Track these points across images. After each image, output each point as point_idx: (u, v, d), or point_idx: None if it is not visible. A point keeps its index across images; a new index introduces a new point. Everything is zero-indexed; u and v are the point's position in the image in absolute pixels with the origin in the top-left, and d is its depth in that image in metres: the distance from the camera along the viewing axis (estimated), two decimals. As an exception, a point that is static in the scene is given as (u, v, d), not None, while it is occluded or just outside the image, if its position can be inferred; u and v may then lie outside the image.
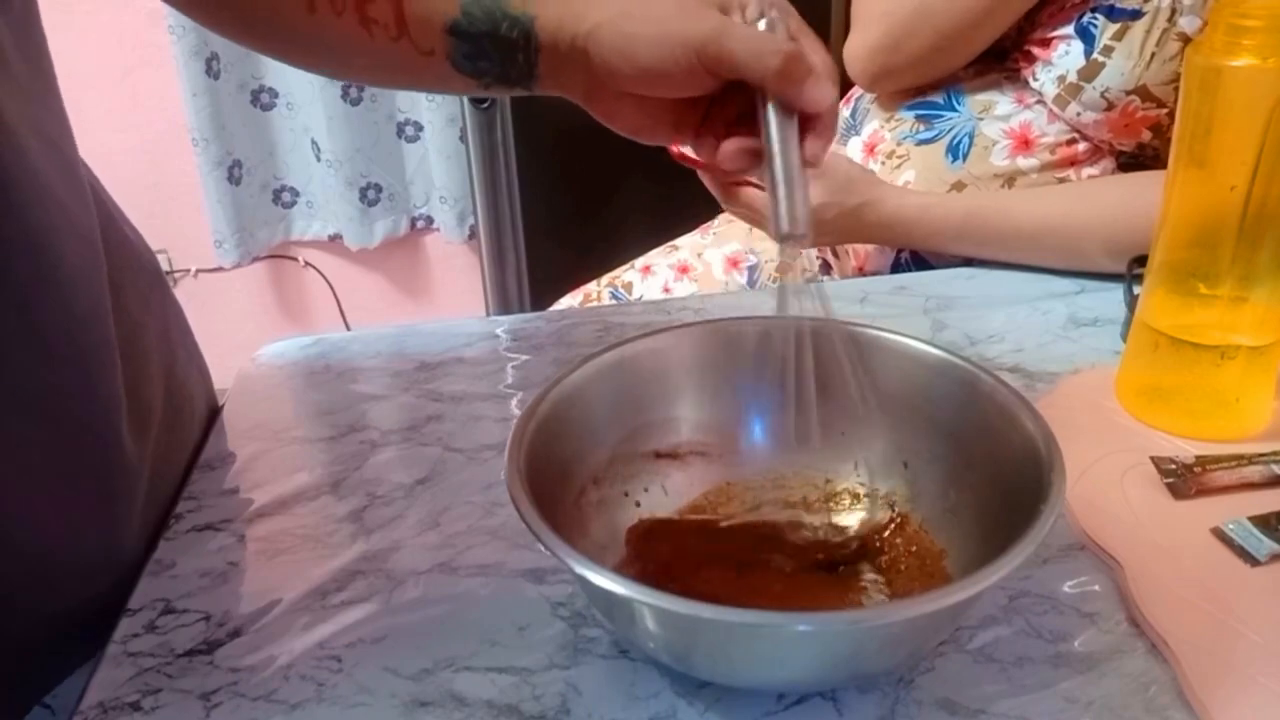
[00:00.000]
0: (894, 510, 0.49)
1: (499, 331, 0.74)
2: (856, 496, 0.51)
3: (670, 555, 0.47)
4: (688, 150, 0.80)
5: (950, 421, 0.47)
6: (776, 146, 0.45)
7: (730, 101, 0.48)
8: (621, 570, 0.44)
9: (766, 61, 0.44)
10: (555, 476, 0.45)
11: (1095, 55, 0.76)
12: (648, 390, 0.50)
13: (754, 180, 0.81)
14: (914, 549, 0.48)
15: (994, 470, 0.44)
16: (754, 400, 0.51)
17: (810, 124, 0.46)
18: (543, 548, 0.37)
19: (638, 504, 0.50)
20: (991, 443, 0.45)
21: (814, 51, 0.46)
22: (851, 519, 0.50)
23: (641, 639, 0.39)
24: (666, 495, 0.51)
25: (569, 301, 1.06)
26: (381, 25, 0.50)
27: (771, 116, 0.45)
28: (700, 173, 0.82)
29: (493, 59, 0.50)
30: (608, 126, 0.51)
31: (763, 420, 0.52)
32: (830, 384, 0.51)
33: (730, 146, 0.48)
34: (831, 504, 0.51)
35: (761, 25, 0.46)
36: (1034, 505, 0.38)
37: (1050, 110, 0.81)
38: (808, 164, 0.45)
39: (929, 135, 0.85)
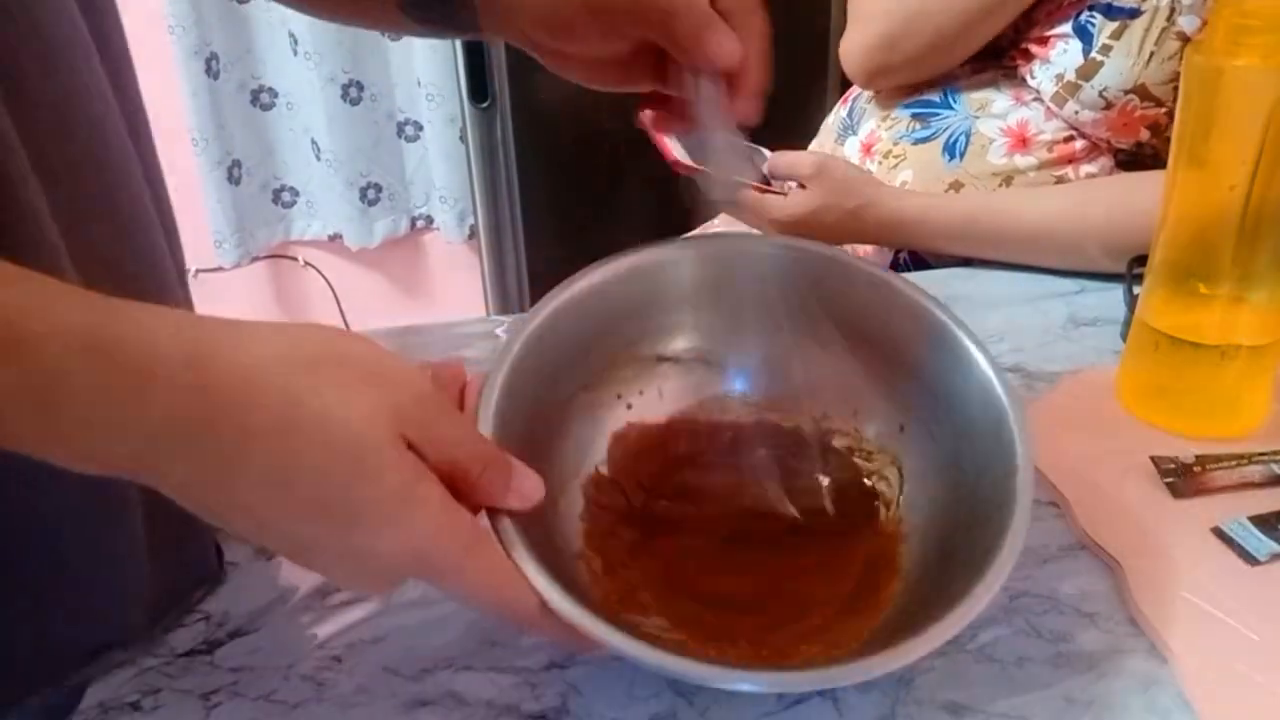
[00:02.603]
0: (896, 487, 0.48)
1: (499, 331, 0.74)
2: (853, 453, 0.49)
3: (652, 480, 0.47)
4: (683, 157, 0.80)
5: (957, 419, 0.46)
6: (696, 109, 0.41)
7: None
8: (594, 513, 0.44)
9: (648, 16, 0.38)
10: (545, 382, 0.44)
11: (1093, 54, 0.76)
12: (655, 299, 0.49)
13: (748, 181, 0.81)
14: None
15: (978, 471, 0.43)
16: (764, 320, 0.49)
17: (731, 80, 0.41)
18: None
19: (629, 406, 0.49)
20: (980, 445, 0.44)
21: None
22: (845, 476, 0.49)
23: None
24: (661, 399, 0.49)
25: (569, 301, 1.06)
26: None
27: (687, 77, 0.40)
28: (696, 177, 0.82)
29: (434, 8, 0.48)
30: (561, 76, 0.47)
31: (768, 340, 0.50)
32: (851, 331, 0.49)
33: (648, 115, 0.45)
34: (827, 457, 0.49)
35: None
36: (997, 537, 0.38)
37: (1048, 108, 0.81)
38: (739, 124, 0.41)
39: (926, 134, 0.85)
